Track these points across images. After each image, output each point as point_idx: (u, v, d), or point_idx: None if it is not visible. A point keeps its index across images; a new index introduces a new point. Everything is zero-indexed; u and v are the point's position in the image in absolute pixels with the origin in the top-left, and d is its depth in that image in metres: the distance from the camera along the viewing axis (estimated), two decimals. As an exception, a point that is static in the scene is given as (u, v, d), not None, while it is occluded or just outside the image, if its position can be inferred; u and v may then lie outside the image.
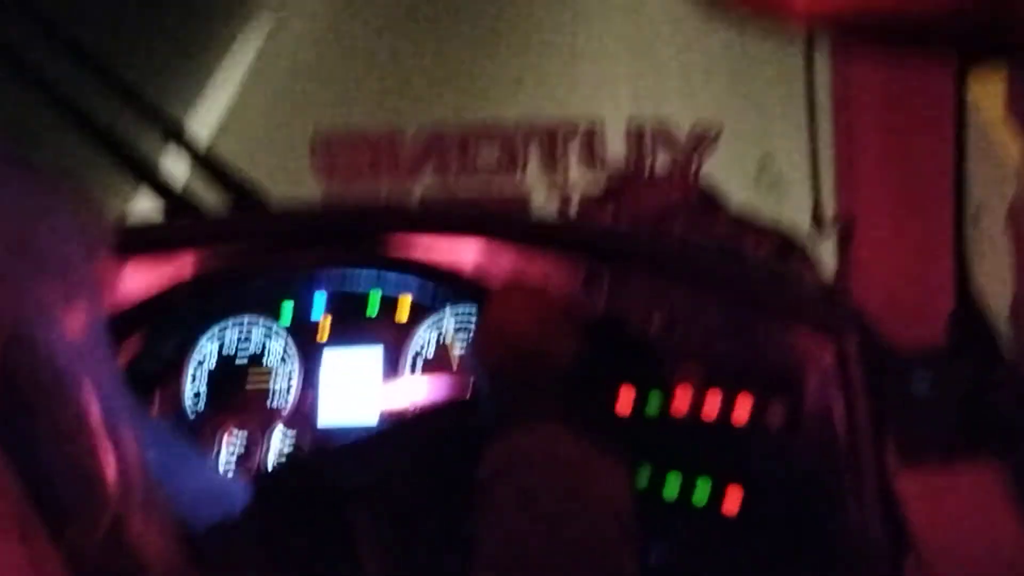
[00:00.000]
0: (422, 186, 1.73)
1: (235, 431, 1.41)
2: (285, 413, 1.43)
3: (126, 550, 0.76)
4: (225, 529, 1.05)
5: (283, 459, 1.40)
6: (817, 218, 1.21)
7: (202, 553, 0.87)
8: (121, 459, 0.76)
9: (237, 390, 1.44)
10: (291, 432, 1.42)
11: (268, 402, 1.43)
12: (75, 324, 0.76)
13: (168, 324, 1.42)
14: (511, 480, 1.00)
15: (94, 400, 0.75)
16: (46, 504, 0.70)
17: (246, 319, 1.46)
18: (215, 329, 1.45)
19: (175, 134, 1.50)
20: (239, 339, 1.46)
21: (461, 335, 1.42)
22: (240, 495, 1.12)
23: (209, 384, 1.44)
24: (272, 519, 1.08)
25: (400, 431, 1.29)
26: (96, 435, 0.75)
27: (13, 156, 0.76)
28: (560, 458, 1.01)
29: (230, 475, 1.38)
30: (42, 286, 0.74)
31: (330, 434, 1.40)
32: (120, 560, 0.76)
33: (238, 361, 1.45)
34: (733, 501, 1.18)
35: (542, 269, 1.31)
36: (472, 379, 1.23)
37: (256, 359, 1.45)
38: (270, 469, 1.38)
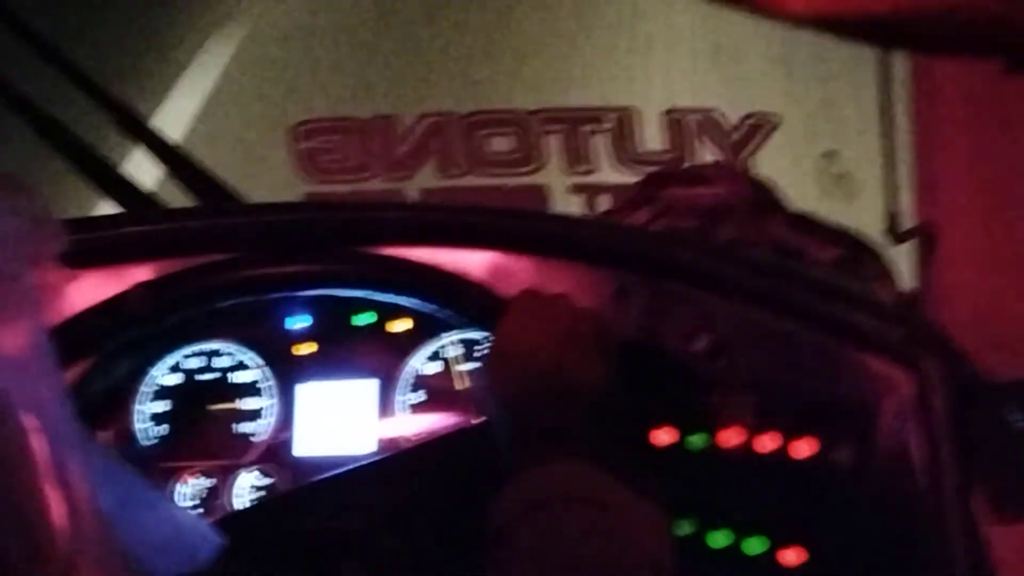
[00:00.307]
0: (421, 183, 1.73)
1: (196, 473, 1.41)
2: (255, 451, 1.43)
3: None
4: None
5: (255, 503, 1.40)
6: (893, 223, 1.21)
7: None
8: (69, 500, 0.75)
9: (199, 424, 1.44)
10: (263, 474, 1.42)
11: (235, 439, 1.44)
12: (14, 339, 0.76)
13: (119, 345, 1.43)
14: (530, 530, 1.00)
15: (36, 429, 0.75)
16: None
17: (213, 342, 1.46)
18: (175, 353, 1.46)
19: (138, 129, 1.51)
20: (203, 365, 1.46)
21: (469, 363, 1.42)
22: (209, 542, 1.12)
23: (166, 417, 1.44)
24: (246, 569, 1.08)
25: (394, 466, 1.29)
26: (39, 471, 0.75)
27: None
28: (588, 504, 1.01)
29: (195, 515, 1.38)
30: None
31: (310, 475, 1.40)
32: None
33: (201, 391, 1.45)
34: (792, 553, 1.18)
35: (564, 281, 1.31)
36: (479, 401, 1.23)
37: (223, 389, 1.45)
38: (242, 512, 1.38)
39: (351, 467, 1.33)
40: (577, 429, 1.09)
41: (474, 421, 1.31)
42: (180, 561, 1.07)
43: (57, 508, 0.75)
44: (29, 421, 0.75)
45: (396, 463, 1.31)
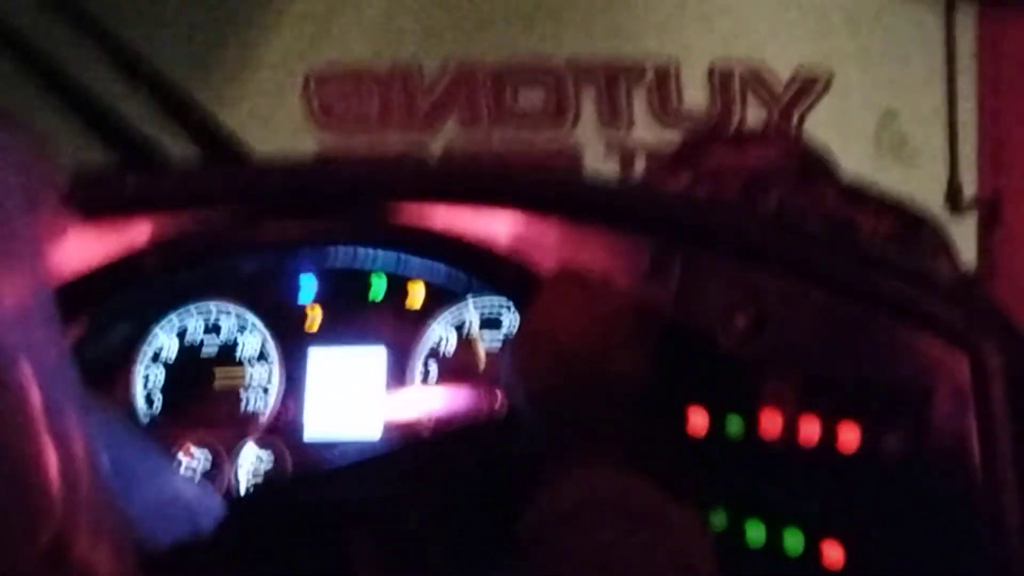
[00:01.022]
0: (444, 138, 1.73)
1: (198, 444, 1.42)
2: (261, 424, 1.43)
3: (71, 570, 0.76)
4: (192, 550, 1.06)
5: (260, 480, 1.41)
6: (953, 193, 1.20)
7: (167, 572, 0.87)
8: (66, 459, 0.76)
9: (201, 394, 1.45)
10: (268, 448, 1.42)
11: (240, 409, 1.44)
12: (12, 291, 0.76)
13: (116, 307, 1.43)
14: (564, 540, 0.99)
15: (34, 385, 0.75)
16: None
17: (214, 305, 1.46)
18: (175, 316, 1.46)
19: (135, 69, 1.51)
20: (205, 329, 1.46)
21: (488, 332, 1.42)
22: (211, 508, 1.13)
23: (166, 385, 1.45)
24: (251, 540, 1.09)
25: (409, 454, 1.29)
26: (36, 428, 0.75)
27: None
28: (625, 512, 1.01)
29: (199, 484, 1.39)
30: None
31: (318, 451, 1.41)
32: None
33: (203, 357, 1.46)
34: (836, 552, 1.18)
35: (596, 249, 1.30)
36: (505, 391, 1.23)
37: (226, 355, 1.46)
38: (243, 491, 1.39)
39: (368, 453, 1.33)
40: (613, 427, 1.08)
41: (494, 399, 1.31)
42: (180, 528, 1.08)
43: (52, 465, 0.75)
44: (25, 376, 0.75)
45: (415, 451, 1.31)
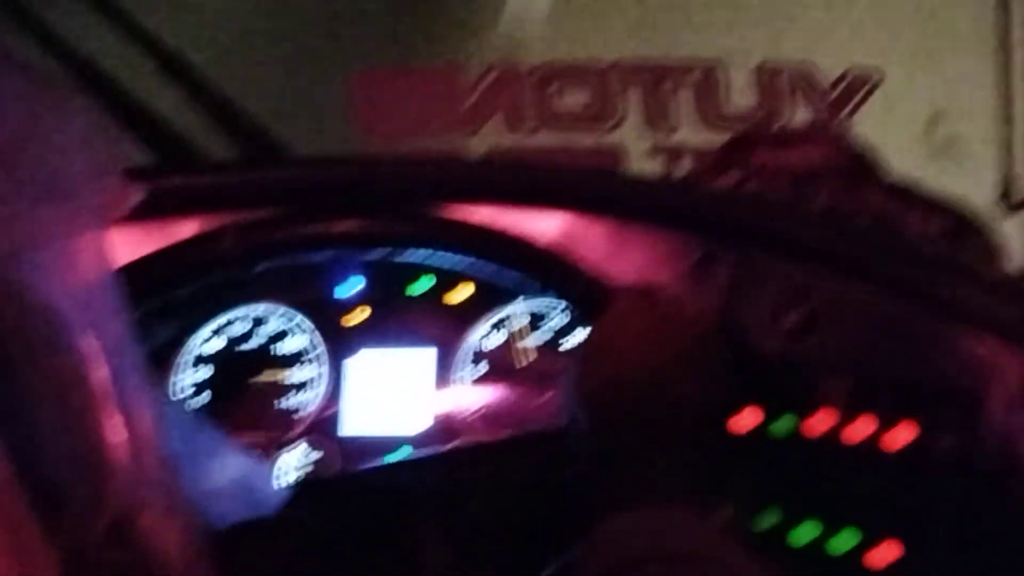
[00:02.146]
0: (486, 140, 1.73)
1: (243, 444, 1.43)
2: (303, 426, 1.44)
3: (135, 547, 0.75)
4: (255, 530, 1.06)
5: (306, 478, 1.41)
6: (1007, 192, 1.19)
7: (224, 556, 0.87)
8: (133, 433, 0.75)
9: (242, 395, 1.45)
10: (311, 449, 1.42)
11: (282, 412, 1.44)
12: (78, 264, 0.75)
13: (158, 309, 1.44)
14: None
15: (100, 360, 0.74)
16: (37, 487, 0.68)
17: (258, 307, 1.47)
18: (217, 318, 1.47)
19: (171, 65, 1.51)
20: (248, 331, 1.47)
21: (536, 334, 1.42)
22: (272, 492, 1.13)
23: (207, 386, 1.46)
24: (314, 523, 1.09)
25: (463, 458, 1.29)
26: (101, 403, 0.74)
27: (7, 52, 0.76)
28: (690, 562, 0.97)
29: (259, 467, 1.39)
30: (36, 211, 0.73)
31: (363, 449, 1.41)
32: (127, 559, 0.75)
33: (245, 359, 1.46)
34: (883, 552, 1.17)
35: (642, 249, 1.30)
36: (564, 403, 1.23)
37: (268, 357, 1.46)
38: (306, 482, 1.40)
39: (420, 457, 1.34)
40: (676, 462, 1.05)
41: (540, 400, 1.31)
42: (241, 510, 1.08)
43: (117, 441, 0.75)
44: (90, 348, 0.75)
45: (466, 456, 1.31)
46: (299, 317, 1.47)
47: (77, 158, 0.76)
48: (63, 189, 0.75)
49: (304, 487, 1.28)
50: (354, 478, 1.36)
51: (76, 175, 0.75)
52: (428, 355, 1.44)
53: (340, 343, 1.46)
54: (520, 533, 1.14)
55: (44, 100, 0.75)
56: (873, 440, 1.17)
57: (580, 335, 1.45)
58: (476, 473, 1.24)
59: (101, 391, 0.74)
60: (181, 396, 1.45)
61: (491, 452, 1.31)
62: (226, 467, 1.19)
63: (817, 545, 1.18)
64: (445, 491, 1.19)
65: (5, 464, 0.65)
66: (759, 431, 1.19)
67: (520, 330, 1.44)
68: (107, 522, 0.73)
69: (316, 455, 1.43)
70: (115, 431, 0.74)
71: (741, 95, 3.06)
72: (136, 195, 0.79)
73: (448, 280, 1.45)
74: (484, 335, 1.44)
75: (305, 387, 1.46)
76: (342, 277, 1.46)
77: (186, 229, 1.36)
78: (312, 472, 1.42)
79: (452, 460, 1.31)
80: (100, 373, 0.74)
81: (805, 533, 1.19)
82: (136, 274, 1.33)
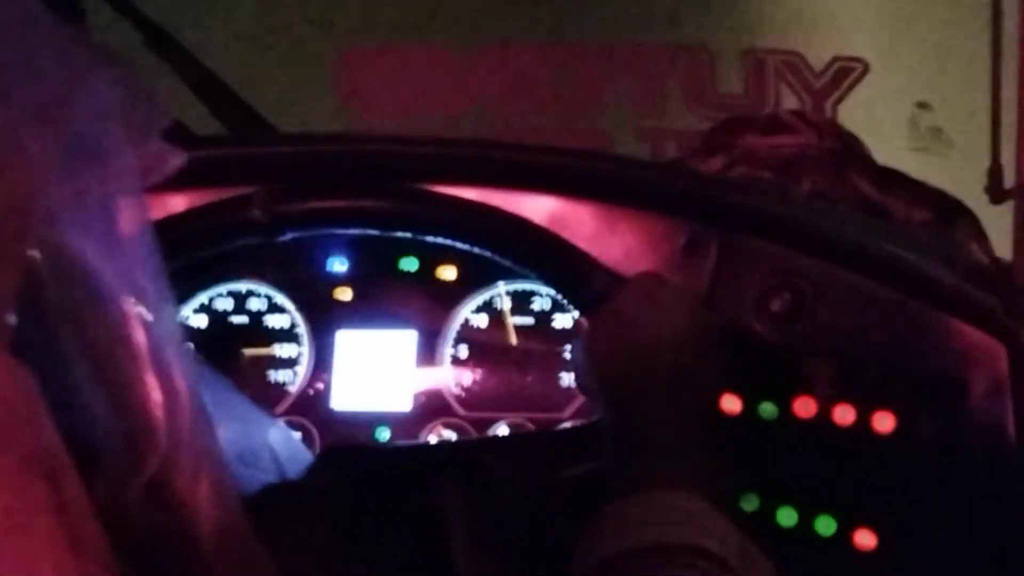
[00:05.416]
0: (474, 121, 1.72)
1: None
2: (289, 402, 1.44)
3: (171, 508, 0.76)
4: (286, 492, 1.07)
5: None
6: (995, 179, 1.19)
7: (256, 516, 0.87)
8: (170, 394, 0.76)
9: (228, 371, 1.45)
10: (295, 426, 1.43)
11: (268, 389, 1.45)
12: (117, 224, 0.76)
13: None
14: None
15: (138, 321, 0.75)
16: (78, 442, 0.68)
17: (245, 283, 1.47)
18: (203, 294, 1.47)
19: (167, 49, 1.51)
20: (234, 308, 1.47)
21: (520, 316, 1.43)
22: (298, 456, 1.14)
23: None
24: (342, 487, 1.10)
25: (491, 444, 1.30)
26: (140, 362, 0.75)
27: (48, 15, 0.75)
28: (706, 555, 0.97)
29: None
30: (76, 173, 0.73)
31: (347, 427, 1.42)
32: (165, 516, 0.75)
33: (231, 335, 1.46)
34: (868, 534, 1.18)
35: (630, 231, 1.30)
36: (579, 381, 1.23)
37: (255, 334, 1.46)
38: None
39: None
40: (680, 438, 1.07)
41: (524, 380, 1.31)
42: (269, 474, 1.09)
43: (156, 399, 0.75)
44: (129, 309, 0.75)
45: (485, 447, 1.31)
46: (284, 296, 1.47)
47: (117, 120, 0.76)
48: (103, 151, 0.75)
49: (329, 455, 1.29)
50: (378, 450, 1.37)
51: (116, 137, 0.75)
52: (411, 336, 1.44)
53: (325, 322, 1.46)
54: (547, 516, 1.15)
55: (84, 62, 0.75)
56: (858, 425, 1.17)
57: (566, 317, 1.45)
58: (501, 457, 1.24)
59: (140, 352, 0.75)
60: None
61: (522, 442, 1.31)
62: (253, 432, 1.20)
63: (804, 526, 1.19)
64: (470, 466, 1.20)
65: (51, 424, 0.66)
66: (746, 414, 1.19)
67: (507, 310, 1.44)
68: (145, 482, 0.74)
69: (300, 432, 1.43)
70: (153, 390, 0.75)
71: (728, 81, 3.06)
72: (177, 159, 0.79)
73: (435, 258, 1.45)
74: (470, 314, 1.44)
75: (290, 364, 1.46)
76: (328, 257, 1.46)
77: (177, 203, 1.35)
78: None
79: (481, 446, 1.32)
80: (138, 334, 0.75)
81: (789, 516, 1.20)
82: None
